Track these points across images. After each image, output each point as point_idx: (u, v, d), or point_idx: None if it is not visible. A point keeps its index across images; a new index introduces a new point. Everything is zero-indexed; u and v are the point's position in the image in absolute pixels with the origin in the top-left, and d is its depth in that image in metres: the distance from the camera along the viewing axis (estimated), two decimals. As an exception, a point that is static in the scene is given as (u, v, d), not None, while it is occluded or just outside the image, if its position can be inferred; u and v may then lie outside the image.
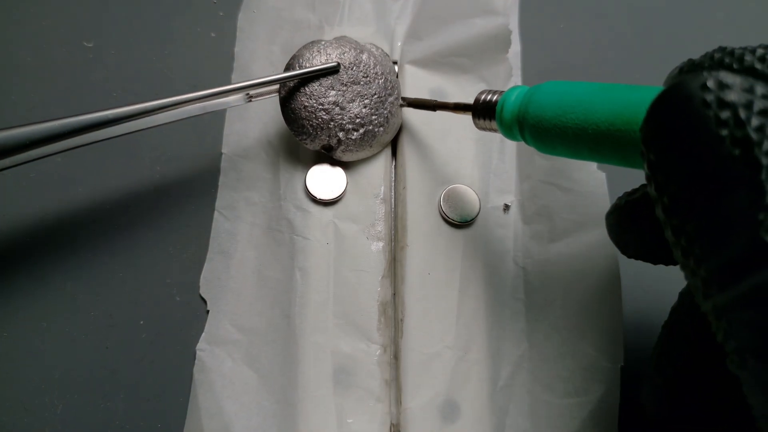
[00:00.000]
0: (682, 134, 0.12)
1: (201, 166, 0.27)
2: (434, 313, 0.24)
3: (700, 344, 0.15)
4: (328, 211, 0.26)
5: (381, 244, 0.25)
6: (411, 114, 0.28)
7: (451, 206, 0.26)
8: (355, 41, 0.26)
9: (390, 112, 0.25)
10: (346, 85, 0.24)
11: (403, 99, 0.26)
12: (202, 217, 0.26)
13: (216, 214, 0.26)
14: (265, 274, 0.25)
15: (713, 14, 0.33)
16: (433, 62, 0.29)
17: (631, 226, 0.18)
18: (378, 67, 0.25)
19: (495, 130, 0.21)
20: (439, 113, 0.28)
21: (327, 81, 0.24)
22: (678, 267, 0.17)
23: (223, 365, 0.23)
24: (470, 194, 0.26)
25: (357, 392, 0.23)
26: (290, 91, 0.24)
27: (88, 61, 0.29)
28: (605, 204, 0.26)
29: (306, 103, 0.24)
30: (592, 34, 0.32)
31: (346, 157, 0.25)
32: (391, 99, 0.25)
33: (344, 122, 0.24)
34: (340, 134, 0.24)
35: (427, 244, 0.25)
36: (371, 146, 0.25)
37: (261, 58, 0.30)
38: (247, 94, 0.24)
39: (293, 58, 0.25)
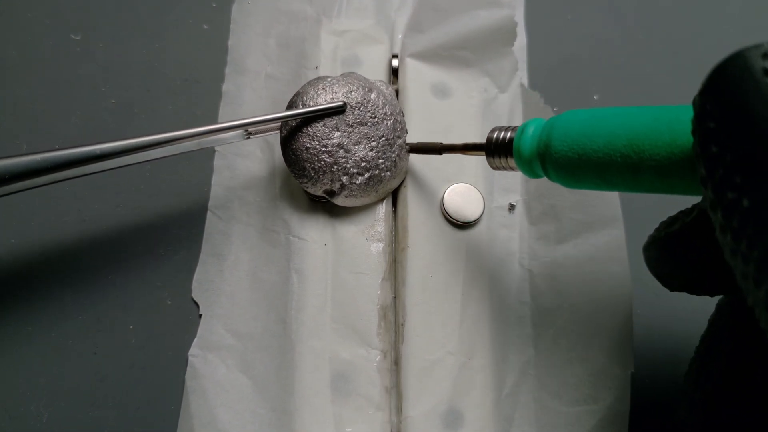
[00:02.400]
0: (741, 103, 0.12)
1: (193, 164, 0.27)
2: (436, 317, 0.24)
3: (742, 358, 0.15)
4: (325, 211, 0.26)
5: (381, 245, 0.25)
6: (411, 109, 0.27)
7: (453, 206, 0.26)
8: (364, 78, 0.25)
9: (398, 155, 0.24)
10: (352, 126, 0.23)
11: (406, 144, 0.25)
12: (194, 218, 0.26)
13: (209, 214, 0.26)
14: (260, 276, 0.25)
15: (723, 5, 0.32)
16: (435, 56, 0.29)
17: (675, 258, 0.18)
18: (387, 107, 0.24)
19: (513, 169, 0.20)
20: (442, 112, 0.28)
21: (332, 121, 0.23)
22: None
23: (217, 372, 0.23)
24: (474, 193, 0.26)
25: (356, 400, 0.23)
26: (292, 131, 0.24)
27: (75, 54, 0.29)
28: (614, 203, 0.25)
29: (308, 145, 0.23)
30: (600, 26, 0.32)
31: (349, 203, 0.24)
32: (399, 141, 0.25)
33: (348, 166, 0.23)
34: (344, 179, 0.23)
35: (429, 246, 0.25)
36: (376, 192, 0.24)
37: (256, 52, 0.30)
38: (246, 130, 0.23)
39: (296, 95, 0.24)
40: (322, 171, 0.23)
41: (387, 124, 0.24)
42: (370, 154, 0.23)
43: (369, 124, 0.24)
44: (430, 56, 0.29)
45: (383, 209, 0.26)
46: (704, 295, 0.17)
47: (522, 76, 0.29)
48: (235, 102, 0.28)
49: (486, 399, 0.23)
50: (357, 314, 0.24)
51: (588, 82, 0.30)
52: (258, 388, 0.23)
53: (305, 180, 0.23)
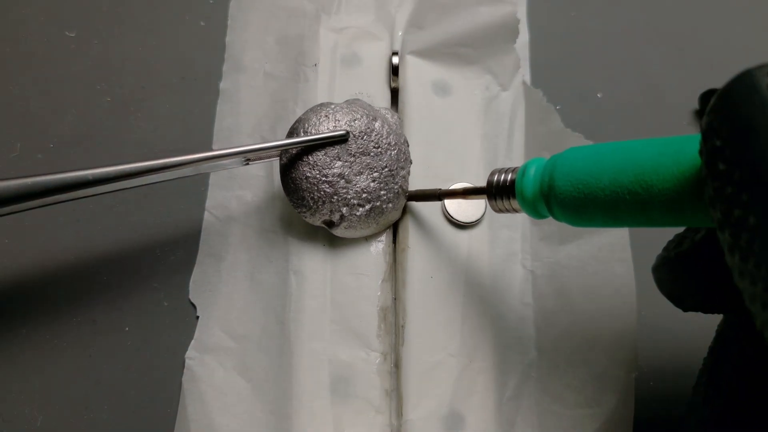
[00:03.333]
0: (748, 120, 0.12)
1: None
2: (437, 319, 0.24)
3: (753, 373, 0.15)
4: (324, 211, 0.26)
5: (381, 245, 0.25)
6: (411, 105, 0.27)
7: (454, 206, 0.25)
8: (369, 105, 0.25)
9: (401, 187, 0.24)
10: (354, 155, 0.23)
11: (405, 193, 0.25)
12: (191, 217, 0.26)
13: (206, 214, 0.26)
14: (258, 277, 0.25)
15: (727, 1, 0.32)
16: (436, 53, 0.28)
17: (687, 278, 0.18)
18: (392, 136, 0.24)
19: (517, 211, 0.20)
20: (443, 110, 0.28)
21: (333, 150, 0.23)
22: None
23: (214, 374, 0.23)
24: (475, 193, 0.26)
25: (356, 403, 0.23)
26: (292, 159, 0.23)
27: (70, 51, 0.29)
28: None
29: (308, 174, 0.23)
30: (604, 23, 0.31)
31: (348, 234, 0.24)
32: (402, 173, 0.24)
33: (349, 197, 0.23)
34: (344, 209, 0.23)
35: (430, 246, 0.25)
36: (377, 223, 0.24)
37: (254, 49, 0.29)
38: (245, 157, 0.22)
39: (298, 122, 0.24)
40: (321, 201, 0.23)
41: (390, 154, 0.24)
42: (372, 185, 0.23)
43: (372, 154, 0.23)
44: (431, 53, 0.28)
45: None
46: (718, 312, 0.17)
47: (524, 73, 0.29)
48: (233, 100, 0.28)
49: (487, 402, 0.23)
50: (357, 316, 0.24)
51: (591, 80, 0.30)
52: (256, 391, 0.23)
53: (304, 210, 0.23)
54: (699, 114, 0.30)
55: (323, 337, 0.23)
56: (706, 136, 0.13)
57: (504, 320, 0.24)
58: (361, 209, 0.23)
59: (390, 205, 0.24)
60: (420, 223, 0.25)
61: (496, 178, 0.20)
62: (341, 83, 0.28)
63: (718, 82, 0.29)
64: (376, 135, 0.24)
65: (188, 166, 0.21)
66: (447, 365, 0.23)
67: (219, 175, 0.27)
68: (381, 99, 0.28)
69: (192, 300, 0.24)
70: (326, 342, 0.23)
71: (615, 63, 0.30)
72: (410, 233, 0.25)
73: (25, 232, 0.25)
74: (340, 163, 0.23)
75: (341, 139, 0.23)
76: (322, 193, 0.23)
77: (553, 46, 0.30)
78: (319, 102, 0.28)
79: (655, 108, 0.30)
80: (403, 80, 0.28)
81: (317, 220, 0.23)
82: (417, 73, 0.28)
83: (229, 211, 0.26)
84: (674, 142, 0.15)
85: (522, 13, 0.31)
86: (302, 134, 0.23)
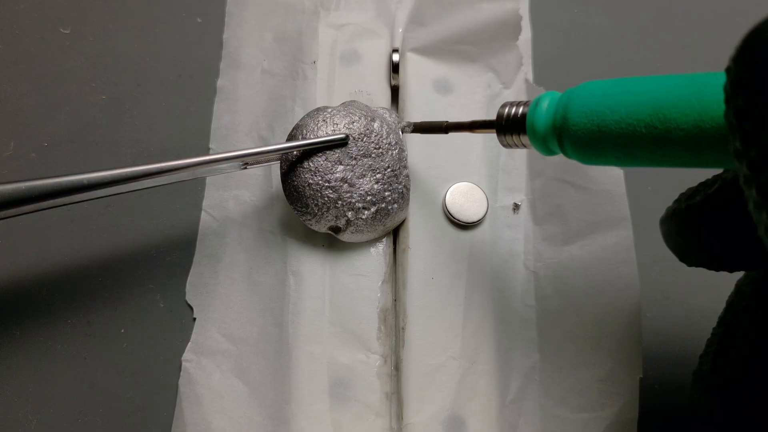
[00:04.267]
0: None
1: (187, 162, 0.27)
2: (438, 321, 0.24)
3: (764, 342, 0.14)
4: (323, 211, 0.25)
5: (381, 246, 0.25)
6: (412, 104, 0.27)
7: (456, 206, 0.25)
8: (366, 106, 0.25)
9: (405, 186, 0.24)
10: (355, 158, 0.23)
11: (409, 124, 0.24)
12: (188, 218, 0.26)
13: (203, 214, 0.26)
14: (256, 278, 0.25)
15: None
16: (437, 50, 0.28)
17: (696, 231, 0.17)
18: (392, 136, 0.24)
19: (526, 146, 0.20)
20: (444, 109, 0.28)
21: (334, 155, 0.23)
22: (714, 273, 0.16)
23: (211, 377, 0.23)
24: (477, 193, 0.26)
25: (355, 407, 0.23)
26: (292, 166, 0.23)
27: (64, 48, 0.29)
28: (622, 203, 0.25)
29: (310, 180, 0.22)
30: (608, 19, 0.31)
31: (355, 239, 0.24)
32: (406, 172, 0.24)
33: (354, 200, 0.23)
34: (349, 214, 0.23)
35: (431, 247, 0.25)
36: (384, 225, 0.24)
37: (251, 46, 0.29)
38: (243, 161, 0.22)
39: (296, 128, 0.24)
40: (326, 207, 0.23)
41: (392, 154, 0.24)
42: (375, 186, 0.23)
43: (373, 155, 0.23)
44: (432, 51, 0.28)
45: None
46: (724, 270, 0.17)
47: (527, 71, 0.29)
48: (230, 98, 0.28)
49: (489, 405, 0.23)
50: (356, 318, 0.24)
51: (595, 77, 0.29)
52: (254, 395, 0.23)
53: (309, 217, 0.23)
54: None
55: (322, 339, 0.23)
56: (734, 86, 0.12)
57: (506, 322, 0.24)
58: (366, 212, 0.23)
59: (395, 205, 0.23)
60: (421, 223, 0.25)
61: (507, 110, 0.19)
62: (340, 81, 0.28)
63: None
64: (375, 136, 0.24)
65: (185, 170, 0.21)
66: (448, 368, 0.23)
67: (216, 174, 0.27)
68: (381, 97, 0.28)
69: (189, 301, 0.24)
70: (325, 344, 0.23)
71: (620, 60, 0.30)
72: (411, 233, 0.25)
73: (18, 233, 0.25)
74: (342, 167, 0.23)
75: (341, 143, 0.23)
76: (326, 198, 0.22)
77: (557, 43, 0.30)
78: (318, 100, 0.28)
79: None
80: (404, 78, 0.28)
81: (323, 227, 0.23)
82: (418, 71, 0.28)
83: (227, 212, 0.26)
84: (699, 78, 0.14)
85: (524, 10, 0.31)
86: (300, 140, 0.23)
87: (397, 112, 0.26)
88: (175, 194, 0.26)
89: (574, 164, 0.26)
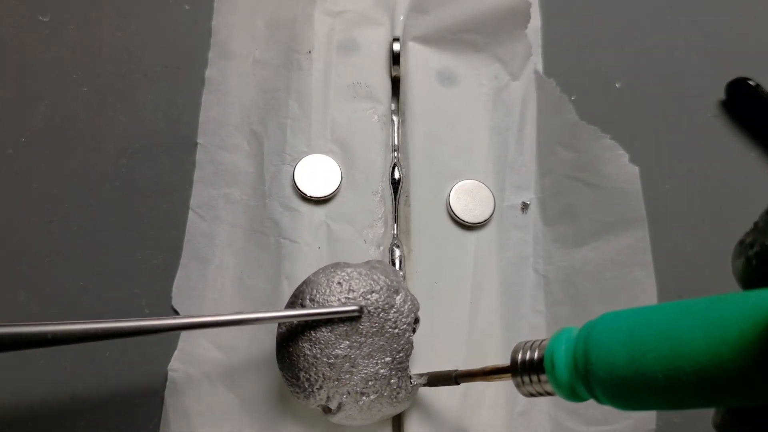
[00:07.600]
0: None
1: (173, 158, 0.27)
2: (443, 327, 0.24)
3: None
4: (319, 211, 0.25)
5: (381, 248, 0.25)
6: (414, 96, 0.27)
7: (461, 205, 0.25)
8: (394, 270, 0.23)
9: (417, 374, 0.22)
10: (365, 335, 0.21)
11: (420, 376, 0.21)
12: (174, 218, 0.26)
13: (191, 213, 0.26)
14: (247, 282, 0.24)
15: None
16: (441, 39, 0.28)
17: None
18: (412, 315, 0.22)
19: (550, 393, 0.17)
20: (448, 101, 0.28)
21: (341, 327, 0.21)
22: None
23: (199, 388, 0.23)
24: (483, 191, 0.26)
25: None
26: (291, 330, 0.21)
27: (43, 37, 0.29)
28: (638, 201, 0.25)
29: (307, 351, 0.20)
30: (622, 7, 0.31)
31: (347, 424, 0.22)
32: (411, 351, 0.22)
33: (352, 383, 0.20)
34: (344, 398, 0.20)
35: (434, 249, 0.25)
36: (382, 414, 0.21)
37: (242, 34, 0.29)
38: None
39: (305, 283, 0.22)
40: (318, 385, 0.20)
41: (408, 337, 0.21)
42: (381, 371, 0.21)
43: (387, 335, 0.21)
44: (435, 40, 0.28)
45: (383, 208, 0.26)
46: None
47: (536, 61, 0.29)
48: (220, 90, 0.28)
49: (497, 418, 0.23)
50: (354, 325, 0.24)
51: (609, 69, 0.30)
52: (246, 407, 0.23)
53: (297, 390, 0.21)
54: (726, 105, 0.29)
55: (318, 347, 0.23)
56: None
57: (514, 329, 0.24)
58: (364, 398, 0.20)
59: (401, 394, 0.21)
60: (423, 224, 0.25)
61: (521, 356, 0.18)
62: (338, 72, 0.28)
63: (747, 70, 0.29)
64: (395, 313, 0.21)
65: (167, 331, 0.19)
66: (452, 378, 0.23)
67: (204, 171, 0.27)
68: (381, 89, 0.28)
69: (175, 307, 0.24)
70: (321, 353, 0.23)
71: (635, 50, 0.30)
72: (413, 235, 0.25)
73: (-6, 234, 0.25)
74: (347, 342, 0.21)
75: (353, 316, 0.21)
76: (321, 375, 0.20)
77: (568, 32, 0.30)
78: (313, 92, 0.27)
79: (678, 99, 0.29)
80: (405, 69, 0.28)
81: (311, 404, 0.21)
82: (420, 61, 0.28)
83: (216, 211, 0.26)
84: (740, 299, 0.13)
85: (533, -4, 0.31)
86: (308, 301, 0.21)
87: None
88: (160, 193, 0.26)
89: (586, 162, 0.26)
